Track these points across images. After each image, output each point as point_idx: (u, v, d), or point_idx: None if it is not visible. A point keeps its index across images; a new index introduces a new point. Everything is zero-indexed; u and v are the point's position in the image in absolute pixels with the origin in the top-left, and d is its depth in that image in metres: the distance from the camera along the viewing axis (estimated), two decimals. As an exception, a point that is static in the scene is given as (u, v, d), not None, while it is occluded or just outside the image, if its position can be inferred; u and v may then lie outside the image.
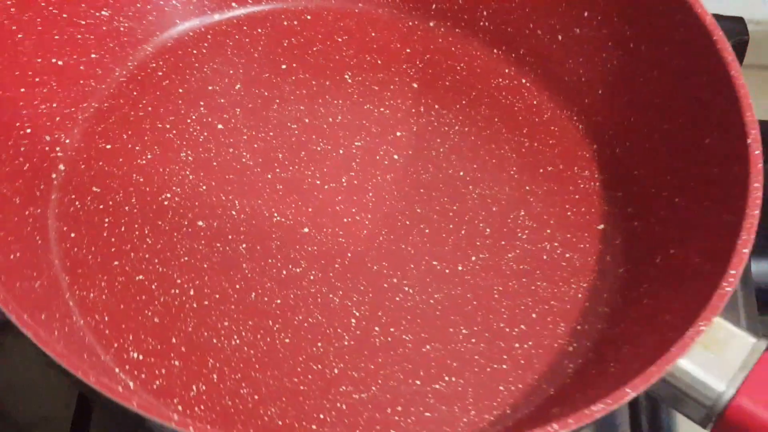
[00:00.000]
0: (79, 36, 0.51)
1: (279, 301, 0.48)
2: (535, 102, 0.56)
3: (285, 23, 0.57)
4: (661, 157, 0.52)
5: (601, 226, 0.53)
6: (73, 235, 0.48)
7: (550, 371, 0.48)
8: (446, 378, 0.47)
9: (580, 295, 0.50)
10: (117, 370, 0.44)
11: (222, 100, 0.54)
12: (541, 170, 0.54)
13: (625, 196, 0.53)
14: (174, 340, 0.45)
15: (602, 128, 0.55)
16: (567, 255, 0.51)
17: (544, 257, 0.51)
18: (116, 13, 0.53)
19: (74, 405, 0.49)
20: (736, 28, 0.55)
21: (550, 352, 0.48)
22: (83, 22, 0.51)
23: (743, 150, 0.46)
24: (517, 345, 0.48)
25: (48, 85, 0.50)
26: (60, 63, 0.50)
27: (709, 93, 0.49)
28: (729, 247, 0.43)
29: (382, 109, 0.55)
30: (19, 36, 0.48)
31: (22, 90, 0.48)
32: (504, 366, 0.48)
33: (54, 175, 0.49)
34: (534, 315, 0.49)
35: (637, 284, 0.50)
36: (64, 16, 0.50)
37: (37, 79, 0.49)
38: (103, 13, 0.53)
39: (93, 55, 0.52)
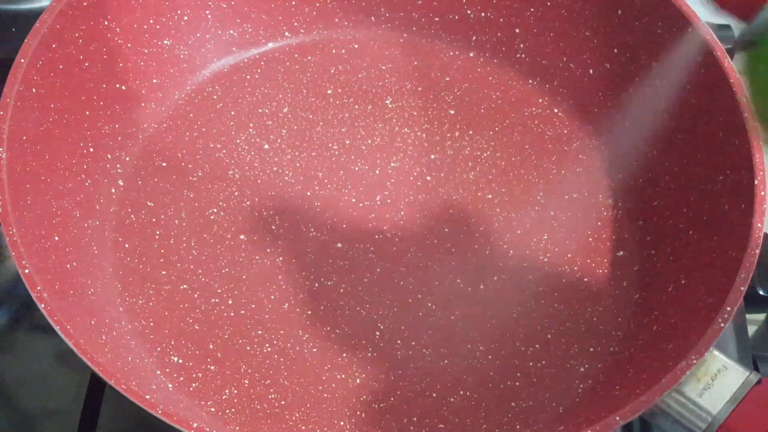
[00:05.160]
0: (142, 63, 0.56)
1: (310, 312, 0.52)
2: (565, 131, 0.59)
3: (333, 51, 0.61)
4: (680, 189, 0.54)
5: (621, 253, 0.55)
6: (127, 245, 0.52)
7: (561, 390, 0.51)
8: (461, 392, 0.50)
9: (595, 318, 0.53)
10: (158, 372, 0.49)
11: (270, 122, 0.58)
12: (567, 197, 0.57)
13: (645, 225, 0.55)
14: (211, 346, 0.50)
15: (627, 159, 0.57)
16: (585, 279, 0.54)
17: (564, 280, 0.54)
18: (177, 42, 0.57)
19: (84, 398, 0.51)
20: (723, 35, 0.56)
21: (562, 371, 0.51)
22: (146, 51, 0.56)
23: (750, 190, 0.48)
24: (531, 363, 0.51)
25: (111, 108, 0.54)
26: (123, 88, 0.55)
27: (724, 133, 0.51)
28: (729, 283, 0.46)
29: (419, 133, 0.58)
30: (86, 64, 0.52)
31: (87, 113, 0.52)
32: (517, 383, 0.51)
33: (113, 190, 0.54)
34: (549, 335, 0.52)
35: (650, 311, 0.52)
36: (129, 45, 0.55)
37: (101, 103, 0.53)
38: (165, 42, 0.57)
39: (154, 81, 0.57)
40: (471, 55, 0.61)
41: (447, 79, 0.60)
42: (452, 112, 0.59)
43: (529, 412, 0.50)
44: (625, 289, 0.54)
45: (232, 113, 0.58)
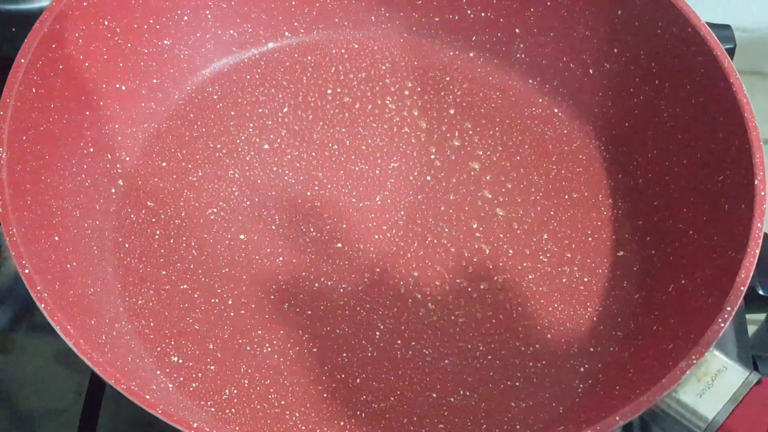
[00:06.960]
0: (142, 63, 0.56)
1: (309, 312, 0.52)
2: (565, 131, 0.59)
3: (333, 51, 0.61)
4: (680, 190, 0.54)
5: (621, 253, 0.55)
6: (127, 245, 0.52)
7: (561, 390, 0.51)
8: (461, 392, 0.50)
9: (595, 318, 0.53)
10: (158, 372, 0.48)
11: (269, 122, 0.58)
12: (567, 196, 0.57)
13: (645, 225, 0.55)
14: (211, 346, 0.50)
15: (627, 159, 0.57)
16: (585, 279, 0.54)
17: (564, 280, 0.54)
18: (177, 42, 0.57)
19: (84, 398, 0.51)
20: (723, 35, 0.56)
21: (562, 371, 0.51)
22: (146, 51, 0.56)
23: (750, 190, 0.48)
24: (531, 363, 0.51)
25: (111, 108, 0.54)
26: (123, 88, 0.55)
27: (724, 134, 0.51)
28: (729, 283, 0.46)
29: (418, 133, 0.58)
30: (86, 65, 0.52)
31: (87, 113, 0.52)
32: (517, 383, 0.51)
33: (113, 190, 0.54)
34: (549, 335, 0.52)
35: (650, 311, 0.52)
36: (129, 45, 0.55)
37: (101, 103, 0.53)
38: (165, 42, 0.57)
39: (154, 80, 0.56)
40: (471, 55, 0.61)
41: (447, 79, 0.60)
42: (452, 112, 0.59)
43: (529, 412, 0.50)
44: (625, 289, 0.54)
45: (232, 113, 0.58)
